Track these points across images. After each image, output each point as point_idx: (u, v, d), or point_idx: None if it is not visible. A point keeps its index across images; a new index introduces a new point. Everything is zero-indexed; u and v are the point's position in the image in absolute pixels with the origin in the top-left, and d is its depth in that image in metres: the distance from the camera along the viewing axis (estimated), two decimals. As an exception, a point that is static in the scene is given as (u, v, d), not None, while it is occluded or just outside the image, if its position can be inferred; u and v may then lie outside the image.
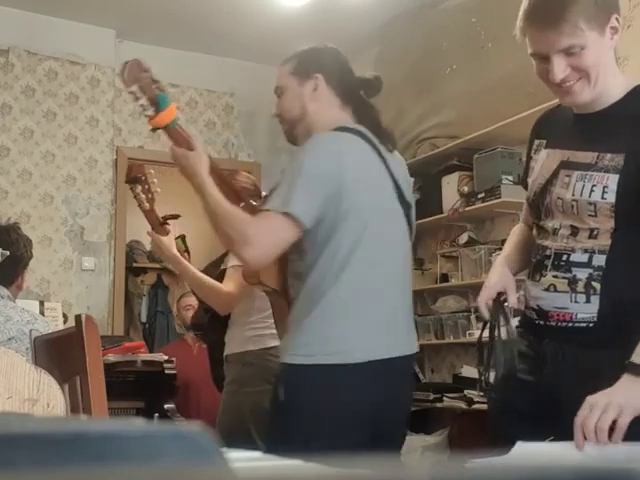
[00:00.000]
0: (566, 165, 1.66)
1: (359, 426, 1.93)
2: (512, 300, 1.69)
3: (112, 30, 5.18)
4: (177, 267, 2.84)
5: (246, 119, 5.60)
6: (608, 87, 1.62)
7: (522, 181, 1.88)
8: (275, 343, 2.65)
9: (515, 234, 1.89)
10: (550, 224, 1.69)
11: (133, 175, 2.92)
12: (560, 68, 1.55)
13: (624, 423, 1.36)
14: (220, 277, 2.86)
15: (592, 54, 1.54)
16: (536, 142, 1.79)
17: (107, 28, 5.15)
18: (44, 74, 5.04)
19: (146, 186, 2.89)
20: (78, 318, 1.71)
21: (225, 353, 2.89)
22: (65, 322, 3.95)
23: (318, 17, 4.66)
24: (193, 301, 4.43)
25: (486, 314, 1.69)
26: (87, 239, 5.07)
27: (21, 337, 2.39)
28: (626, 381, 1.43)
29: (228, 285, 2.76)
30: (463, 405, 4.02)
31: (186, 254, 2.97)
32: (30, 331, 2.00)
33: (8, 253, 2.65)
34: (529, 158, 1.81)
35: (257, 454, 0.74)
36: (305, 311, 1.94)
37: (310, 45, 2.15)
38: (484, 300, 1.70)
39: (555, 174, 1.68)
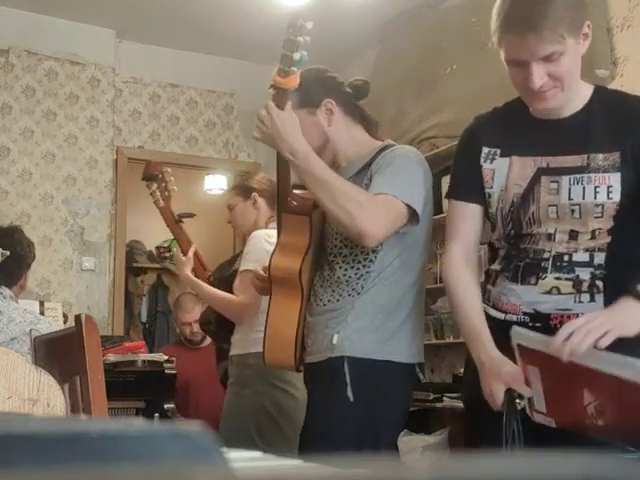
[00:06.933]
0: (548, 171, 1.64)
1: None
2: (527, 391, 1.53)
3: (112, 30, 5.18)
4: (192, 287, 2.98)
5: (246, 119, 5.59)
6: (577, 90, 1.64)
7: (463, 192, 1.77)
8: None
9: (471, 307, 1.70)
10: (540, 230, 1.66)
11: (149, 172, 3.00)
12: (539, 75, 1.55)
13: (604, 343, 1.42)
14: (232, 277, 2.90)
15: (569, 61, 1.55)
16: (485, 150, 1.73)
17: (107, 28, 5.15)
18: (44, 74, 5.04)
19: (163, 184, 2.96)
20: (78, 318, 1.71)
21: (230, 354, 2.92)
22: (65, 322, 3.96)
23: (318, 17, 4.65)
24: (191, 318, 4.48)
25: (498, 403, 1.55)
26: (87, 239, 5.07)
27: (23, 338, 2.39)
28: (625, 301, 1.50)
29: (241, 294, 2.78)
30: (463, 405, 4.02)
31: None
32: (30, 331, 2.00)
33: (8, 253, 2.65)
34: (478, 167, 1.73)
35: (257, 454, 0.74)
36: (376, 313, 1.96)
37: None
38: (497, 390, 1.56)
39: (534, 182, 1.65)
